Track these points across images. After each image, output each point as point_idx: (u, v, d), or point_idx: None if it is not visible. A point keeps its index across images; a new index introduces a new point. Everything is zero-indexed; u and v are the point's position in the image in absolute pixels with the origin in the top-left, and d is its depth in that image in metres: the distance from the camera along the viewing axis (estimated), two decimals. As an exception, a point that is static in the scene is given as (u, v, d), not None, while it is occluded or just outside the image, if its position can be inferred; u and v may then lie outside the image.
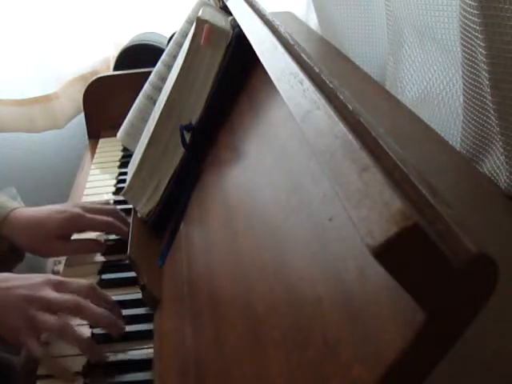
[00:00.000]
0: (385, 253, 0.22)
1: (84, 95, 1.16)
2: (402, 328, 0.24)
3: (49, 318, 0.60)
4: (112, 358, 0.62)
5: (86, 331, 0.64)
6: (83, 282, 0.65)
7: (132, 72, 1.16)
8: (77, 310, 0.61)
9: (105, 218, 0.78)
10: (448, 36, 0.61)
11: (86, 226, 0.78)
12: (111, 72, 1.30)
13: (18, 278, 0.64)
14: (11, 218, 0.75)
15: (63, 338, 0.61)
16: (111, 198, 0.94)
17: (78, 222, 0.76)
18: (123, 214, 0.81)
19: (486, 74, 0.48)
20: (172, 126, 0.70)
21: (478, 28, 0.47)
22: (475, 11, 0.46)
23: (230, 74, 0.65)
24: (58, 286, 0.63)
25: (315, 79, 0.37)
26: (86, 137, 1.18)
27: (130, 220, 0.75)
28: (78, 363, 0.61)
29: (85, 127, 1.18)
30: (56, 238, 0.75)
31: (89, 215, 0.76)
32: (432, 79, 0.67)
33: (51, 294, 0.62)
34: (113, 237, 0.82)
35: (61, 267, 0.78)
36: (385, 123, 0.61)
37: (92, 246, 0.78)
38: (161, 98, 0.78)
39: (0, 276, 0.65)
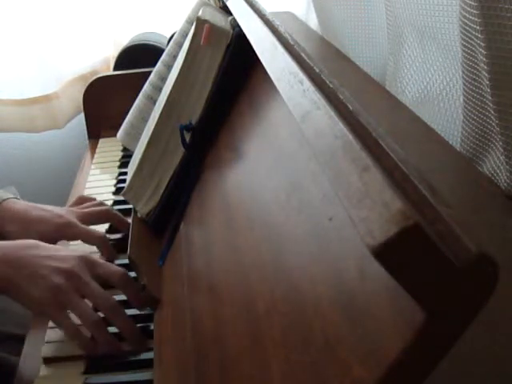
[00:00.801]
0: (385, 253, 0.22)
1: (84, 95, 1.16)
2: (402, 328, 0.24)
3: (86, 308, 0.60)
4: (112, 358, 0.62)
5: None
6: (117, 268, 0.65)
7: (132, 72, 1.16)
8: (111, 313, 0.61)
9: (97, 234, 0.76)
10: (448, 36, 0.61)
11: (78, 237, 0.77)
12: (111, 72, 1.30)
13: (51, 249, 0.63)
14: (4, 207, 0.75)
15: (92, 331, 0.61)
16: (111, 198, 0.94)
17: (72, 231, 0.75)
18: (119, 214, 0.81)
19: (486, 74, 0.48)
20: (172, 126, 0.70)
21: (478, 28, 0.47)
22: (475, 11, 0.46)
23: (230, 74, 0.65)
24: (92, 267, 0.63)
25: (315, 79, 0.37)
26: (86, 137, 1.18)
27: (130, 220, 0.75)
28: (78, 363, 0.61)
29: (85, 127, 1.18)
30: (46, 240, 0.73)
31: (82, 228, 0.75)
32: (432, 79, 0.67)
33: (87, 278, 0.61)
34: (113, 237, 0.82)
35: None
36: (385, 123, 0.61)
37: None
38: (161, 98, 0.78)
39: (29, 242, 0.64)
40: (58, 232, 0.75)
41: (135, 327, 0.63)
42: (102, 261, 0.65)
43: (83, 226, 0.76)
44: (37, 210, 0.76)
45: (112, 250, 0.77)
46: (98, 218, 0.79)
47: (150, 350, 0.61)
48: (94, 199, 0.85)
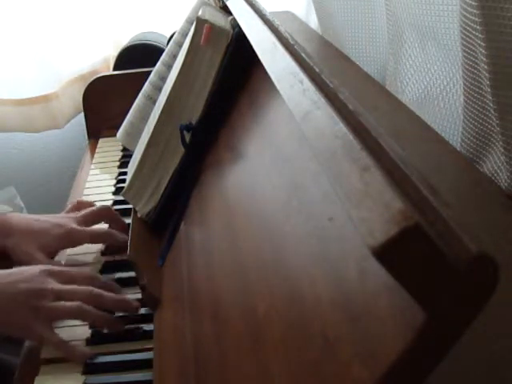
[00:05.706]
0: (385, 253, 0.22)
1: (84, 95, 1.16)
2: (402, 328, 0.24)
3: (62, 305, 0.61)
4: (112, 358, 0.62)
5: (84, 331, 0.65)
6: (84, 270, 0.68)
7: (132, 72, 1.16)
8: (92, 298, 0.63)
9: (100, 230, 0.77)
10: (448, 36, 0.61)
11: (83, 242, 0.76)
12: (111, 72, 1.30)
13: (13, 273, 0.63)
14: (3, 221, 0.74)
15: (83, 318, 0.63)
16: (111, 198, 0.94)
17: (75, 238, 0.75)
18: (116, 213, 0.80)
19: (486, 74, 0.48)
20: (172, 125, 0.70)
21: (478, 28, 0.47)
22: (475, 11, 0.46)
23: (229, 74, 0.65)
24: (60, 276, 0.64)
25: (315, 79, 0.37)
26: (86, 137, 1.18)
27: (130, 220, 0.75)
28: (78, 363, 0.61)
29: (85, 127, 1.18)
30: (47, 251, 0.74)
31: (84, 231, 0.75)
32: (432, 79, 0.67)
33: (58, 285, 0.62)
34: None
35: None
36: (385, 123, 0.61)
37: None
38: (161, 97, 0.78)
39: None
40: (60, 243, 0.75)
41: (119, 296, 0.66)
42: (66, 268, 0.67)
43: (84, 228, 0.76)
44: (36, 223, 0.75)
45: (118, 237, 0.77)
46: (98, 217, 0.79)
47: (149, 350, 0.61)
48: (92, 203, 0.84)
